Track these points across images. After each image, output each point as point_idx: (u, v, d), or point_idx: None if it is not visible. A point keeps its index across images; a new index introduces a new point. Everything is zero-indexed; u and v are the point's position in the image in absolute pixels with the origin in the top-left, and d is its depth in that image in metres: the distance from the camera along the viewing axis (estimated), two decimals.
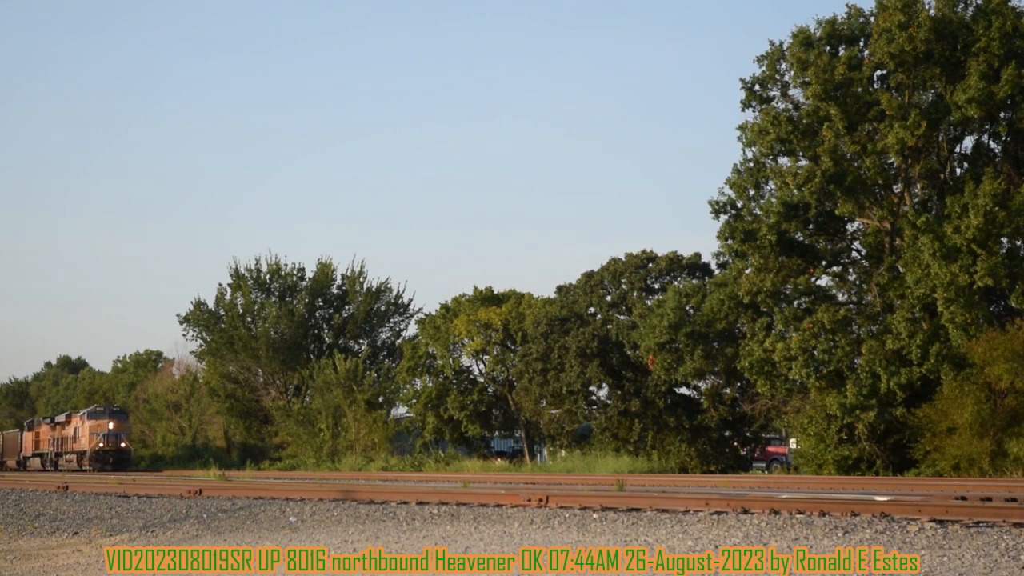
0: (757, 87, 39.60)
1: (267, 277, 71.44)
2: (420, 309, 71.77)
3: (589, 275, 52.37)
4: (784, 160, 39.17)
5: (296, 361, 68.20)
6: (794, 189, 37.78)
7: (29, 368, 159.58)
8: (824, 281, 40.46)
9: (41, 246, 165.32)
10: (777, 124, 37.75)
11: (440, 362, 59.10)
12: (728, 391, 47.16)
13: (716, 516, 14.89)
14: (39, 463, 71.40)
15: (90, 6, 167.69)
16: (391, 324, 73.17)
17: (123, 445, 64.10)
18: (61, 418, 69.77)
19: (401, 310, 73.15)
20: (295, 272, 72.16)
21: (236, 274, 71.35)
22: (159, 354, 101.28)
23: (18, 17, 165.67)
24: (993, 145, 38.73)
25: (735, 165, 40.00)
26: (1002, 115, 36.84)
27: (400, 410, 64.80)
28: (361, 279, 72.54)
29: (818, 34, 38.14)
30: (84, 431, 64.27)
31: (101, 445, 62.65)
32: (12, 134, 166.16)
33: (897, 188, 38.53)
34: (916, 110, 35.61)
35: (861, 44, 38.23)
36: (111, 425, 63.73)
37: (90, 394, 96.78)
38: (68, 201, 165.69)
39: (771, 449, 52.44)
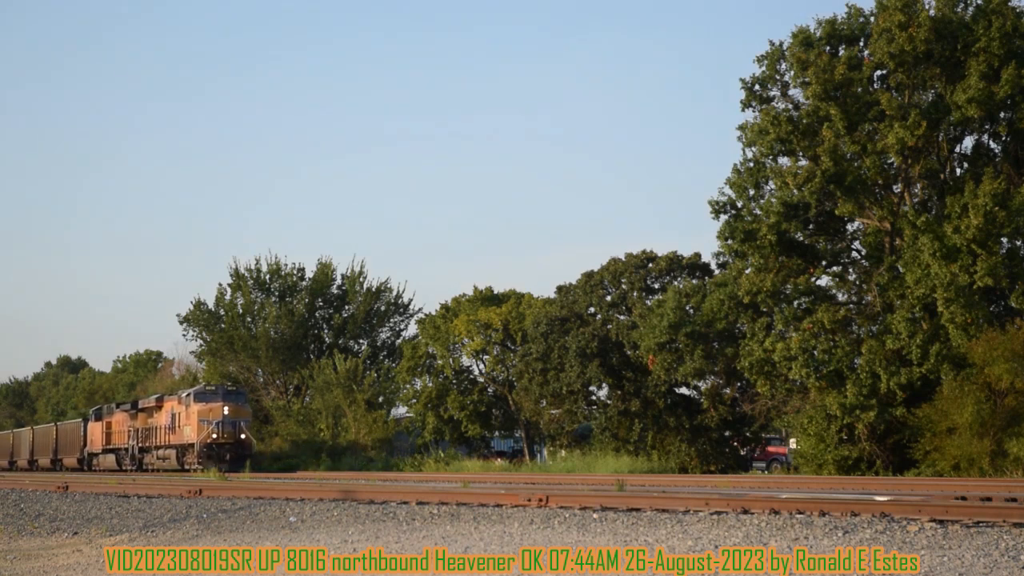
0: (757, 87, 39.54)
1: (267, 277, 71.44)
2: (420, 309, 71.91)
3: (589, 275, 52.35)
4: (784, 160, 39.15)
5: (296, 361, 68.17)
6: (794, 189, 37.75)
7: (29, 368, 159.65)
8: (824, 281, 40.45)
9: (41, 245, 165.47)
10: (777, 124, 37.71)
11: (440, 362, 59.14)
12: (728, 391, 47.15)
13: (716, 516, 14.89)
14: (113, 461, 57.84)
15: (97, 11, 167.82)
16: (391, 324, 73.21)
17: (243, 436, 50.22)
18: (149, 402, 56.39)
19: (401, 310, 73.17)
20: (295, 272, 72.18)
21: (236, 274, 71.36)
22: (159, 354, 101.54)
23: (25, 16, 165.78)
24: (993, 145, 38.70)
25: (735, 165, 39.99)
26: (1002, 115, 36.80)
27: (400, 410, 64.88)
28: (361, 279, 72.54)
29: (818, 34, 38.11)
30: (188, 419, 50.65)
31: (214, 437, 49.27)
32: (10, 135, 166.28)
33: (897, 188, 38.52)
34: (916, 110, 35.60)
35: (861, 44, 38.19)
36: (226, 410, 50.01)
37: (90, 394, 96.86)
38: (67, 200, 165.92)
39: (771, 449, 52.45)
